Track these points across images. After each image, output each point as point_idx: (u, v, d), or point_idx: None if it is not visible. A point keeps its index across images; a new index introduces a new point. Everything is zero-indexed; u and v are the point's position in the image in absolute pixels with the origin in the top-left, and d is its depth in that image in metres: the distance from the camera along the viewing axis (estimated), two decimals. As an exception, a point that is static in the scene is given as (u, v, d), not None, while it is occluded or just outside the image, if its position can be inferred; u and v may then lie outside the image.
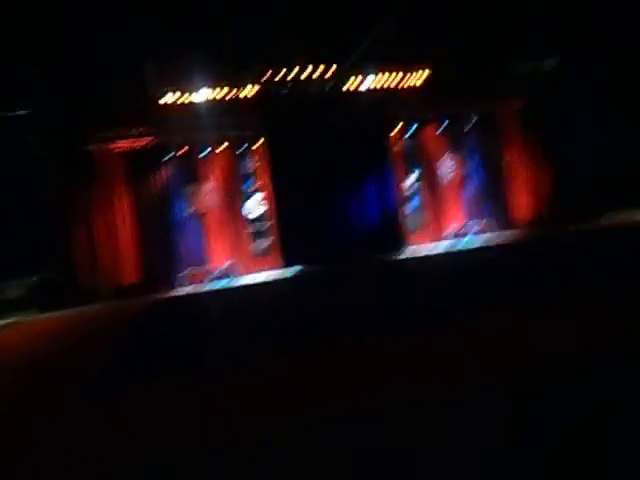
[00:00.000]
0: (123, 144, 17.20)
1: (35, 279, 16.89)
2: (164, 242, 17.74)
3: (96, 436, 4.68)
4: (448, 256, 17.18)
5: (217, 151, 18.20)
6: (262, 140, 18.29)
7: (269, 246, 18.73)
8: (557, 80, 18.75)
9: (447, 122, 20.02)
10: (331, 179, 18.80)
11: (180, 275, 17.75)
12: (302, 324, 8.47)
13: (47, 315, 15.29)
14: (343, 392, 4.86)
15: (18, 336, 12.77)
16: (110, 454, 4.23)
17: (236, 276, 18.01)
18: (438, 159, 20.51)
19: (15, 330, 13.70)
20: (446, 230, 20.31)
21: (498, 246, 17.70)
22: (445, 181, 20.57)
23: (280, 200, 18.55)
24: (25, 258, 15.79)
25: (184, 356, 7.48)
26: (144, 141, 17.30)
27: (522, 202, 21.11)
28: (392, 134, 19.84)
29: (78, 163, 16.63)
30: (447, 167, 20.58)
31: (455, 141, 20.55)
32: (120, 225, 17.44)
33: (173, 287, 17.46)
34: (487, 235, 20.19)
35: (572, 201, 19.30)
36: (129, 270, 17.44)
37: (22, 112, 15.49)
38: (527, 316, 6.67)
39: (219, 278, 17.87)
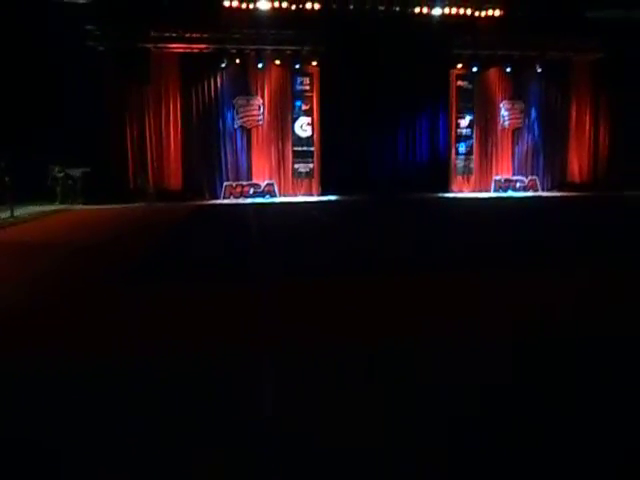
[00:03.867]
0: (180, 46, 17.16)
1: (85, 171, 17.45)
2: (209, 152, 17.99)
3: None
4: (487, 205, 16.80)
5: (272, 65, 17.96)
6: (318, 60, 17.86)
7: (310, 170, 18.72)
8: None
9: (512, 66, 18.98)
10: (383, 110, 18.37)
11: (221, 187, 18.10)
12: (329, 251, 8.57)
13: (94, 207, 15.94)
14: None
15: (68, 221, 13.42)
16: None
17: (273, 195, 18.23)
18: (497, 105, 19.68)
19: (65, 216, 14.37)
20: (492, 180, 19.79)
21: (542, 203, 17.21)
22: (500, 129, 19.82)
23: (327, 125, 18.35)
24: (77, 150, 16.26)
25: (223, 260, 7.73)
26: (201, 46, 17.21)
27: (579, 162, 20.23)
28: (452, 72, 19.08)
29: (134, 60, 16.73)
30: (505, 114, 19.76)
31: (518, 88, 19.58)
32: (169, 129, 17.70)
33: (213, 197, 17.87)
34: (534, 192, 19.61)
35: (633, 168, 18.35)
36: (174, 176, 17.87)
37: (83, 0, 15.50)
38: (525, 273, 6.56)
39: (257, 195, 18.13)
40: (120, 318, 5.01)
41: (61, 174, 16.70)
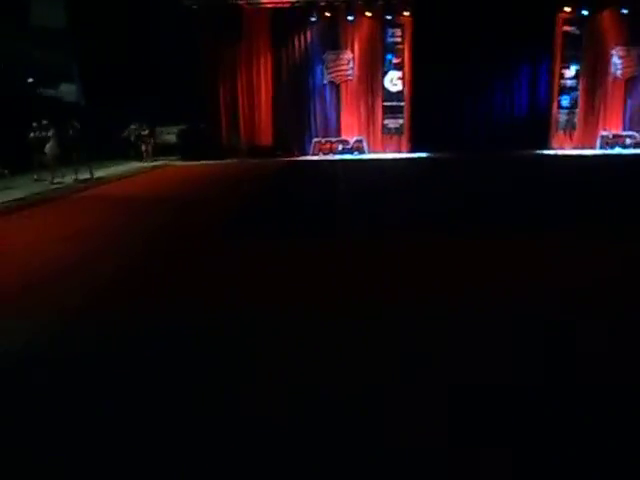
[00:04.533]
0: (271, 1, 17.13)
1: (182, 129, 18.22)
2: (298, 108, 18.06)
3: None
4: (592, 163, 15.59)
5: (362, 17, 17.45)
6: (410, 9, 17.10)
7: (400, 127, 18.28)
8: None
9: (630, 6, 17.03)
10: (479, 63, 17.28)
11: (310, 143, 18.22)
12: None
13: (190, 163, 16.69)
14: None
15: (169, 177, 14.24)
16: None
17: (362, 152, 18.07)
18: (607, 53, 17.89)
19: (165, 172, 15.23)
20: (598, 136, 18.26)
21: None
22: (610, 80, 18.08)
23: (419, 79, 17.68)
24: (173, 108, 16.96)
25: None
26: (292, 0, 17.08)
27: None
28: (559, 16, 17.50)
29: (227, 17, 16.94)
30: (616, 64, 17.95)
31: (635, 31, 17.54)
32: (260, 86, 17.94)
33: (302, 154, 18.05)
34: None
35: None
36: (264, 132, 18.20)
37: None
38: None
39: (345, 151, 18.06)
40: (222, 271, 5.39)
41: (146, 131, 17.05)
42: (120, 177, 13.88)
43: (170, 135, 18.68)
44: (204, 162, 16.65)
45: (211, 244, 6.56)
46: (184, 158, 17.53)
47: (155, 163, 16.71)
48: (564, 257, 5.57)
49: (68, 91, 18.48)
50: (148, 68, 17.23)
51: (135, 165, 16.20)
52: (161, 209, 9.11)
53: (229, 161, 17.02)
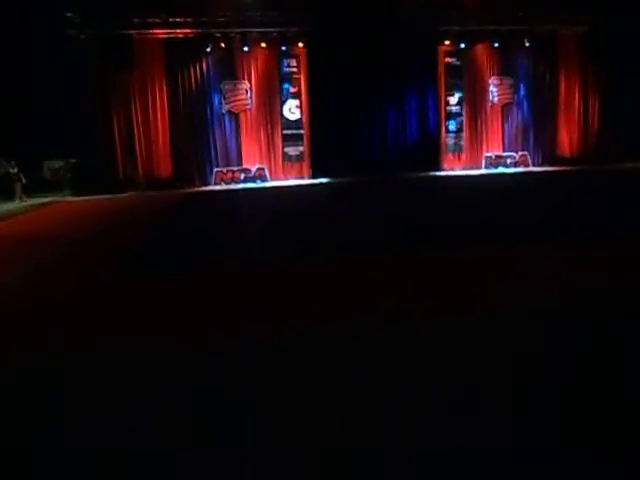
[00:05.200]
0: (163, 32, 16.85)
1: (72, 162, 17.19)
2: (197, 139, 17.79)
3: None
4: (478, 181, 16.78)
5: (258, 48, 17.69)
6: (304, 41, 17.61)
7: (300, 154, 18.58)
8: (627, 5, 17.21)
9: (500, 41, 18.83)
10: (371, 91, 18.21)
11: (211, 173, 17.95)
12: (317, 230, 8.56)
13: (83, 198, 15.72)
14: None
15: (56, 214, 13.27)
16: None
17: (264, 180, 18.10)
18: (485, 81, 19.57)
19: (53, 209, 14.20)
20: (483, 157, 19.76)
21: (532, 179, 17.21)
22: (489, 105, 19.73)
23: (316, 108, 18.18)
24: (64, 140, 16.00)
25: (210, 248, 7.68)
26: (185, 30, 16.91)
27: (569, 137, 20.21)
28: (440, 48, 18.91)
29: (117, 47, 16.42)
30: (494, 90, 19.66)
31: (506, 63, 19.45)
32: (156, 116, 17.45)
33: (203, 184, 17.72)
34: (524, 168, 19.60)
35: (622, 140, 18.40)
36: (163, 163, 17.67)
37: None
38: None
39: (248, 180, 18.00)
40: (116, 310, 4.98)
41: (15, 169, 15.52)
42: (6, 216, 12.76)
43: (58, 169, 17.57)
44: (98, 197, 15.79)
45: (103, 284, 6.00)
46: (76, 193, 16.50)
47: (48, 199, 15.58)
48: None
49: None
50: (36, 99, 16.19)
51: (24, 203, 15.01)
52: (49, 247, 8.40)
53: (125, 195, 16.27)
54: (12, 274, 6.57)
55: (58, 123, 15.87)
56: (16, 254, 7.98)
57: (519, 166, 19.71)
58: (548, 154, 20.07)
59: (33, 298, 5.40)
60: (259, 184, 17.82)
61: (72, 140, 16.15)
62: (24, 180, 15.83)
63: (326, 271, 5.90)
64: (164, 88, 17.45)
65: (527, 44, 18.83)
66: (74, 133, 16.06)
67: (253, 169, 18.20)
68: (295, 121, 18.43)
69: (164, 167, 17.69)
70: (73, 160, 17.21)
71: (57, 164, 17.60)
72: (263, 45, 17.67)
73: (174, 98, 17.52)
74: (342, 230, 8.57)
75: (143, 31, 16.69)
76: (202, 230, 9.52)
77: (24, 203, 15.09)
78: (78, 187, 16.66)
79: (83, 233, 9.85)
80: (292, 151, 18.56)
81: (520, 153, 19.89)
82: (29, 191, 15.96)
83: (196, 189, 17.22)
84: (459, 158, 19.66)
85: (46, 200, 15.57)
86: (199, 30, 16.92)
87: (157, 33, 16.87)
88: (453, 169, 19.36)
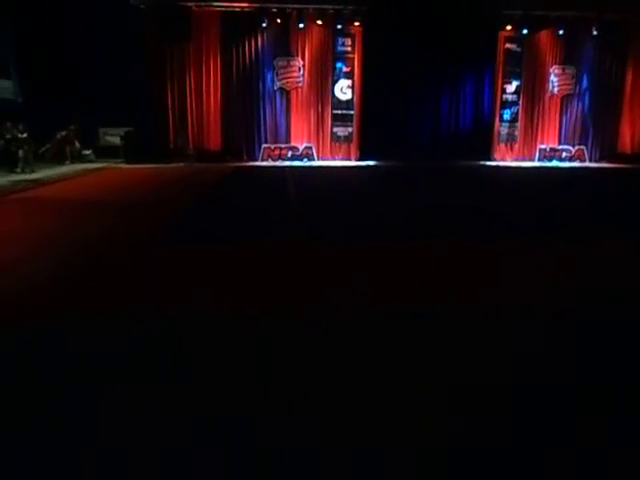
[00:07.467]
0: (221, 4, 16.94)
1: (127, 130, 17.63)
2: (248, 114, 17.92)
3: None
4: (528, 174, 16.27)
5: (313, 25, 17.56)
6: (360, 20, 17.36)
7: (349, 135, 18.46)
8: None
9: (566, 28, 18.01)
10: (426, 74, 17.82)
11: (259, 149, 18.09)
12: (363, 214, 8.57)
13: (134, 166, 16.14)
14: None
15: (110, 179, 13.69)
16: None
17: (311, 159, 18.12)
18: (546, 70, 18.81)
19: (106, 174, 14.65)
20: (537, 149, 19.12)
21: (587, 176, 16.55)
22: (548, 95, 19.00)
23: (368, 89, 17.96)
24: (120, 109, 16.40)
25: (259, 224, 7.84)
26: (242, 4, 16.94)
27: (632, 133, 19.29)
28: (501, 34, 18.25)
29: (175, 18, 16.62)
30: (554, 80, 18.90)
31: (570, 52, 18.61)
32: (209, 89, 17.66)
33: (251, 159, 17.90)
34: (580, 163, 18.88)
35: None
36: (213, 136, 17.91)
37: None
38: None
39: (295, 158, 18.06)
40: (161, 276, 5.19)
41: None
42: (60, 179, 13.26)
43: (114, 137, 18.07)
44: (149, 165, 16.20)
45: (151, 250, 6.24)
46: (128, 161, 16.98)
47: (101, 165, 16.11)
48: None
49: (4, 88, 17.55)
50: (91, 68, 16.64)
51: (77, 167, 15.55)
52: (99, 213, 8.67)
53: (175, 165, 16.63)
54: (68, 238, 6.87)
55: (116, 92, 16.27)
56: (72, 218, 8.31)
57: (574, 161, 19.01)
58: (607, 149, 19.26)
59: (98, 265, 5.61)
60: (305, 162, 17.87)
61: (128, 109, 16.55)
62: (78, 145, 16.43)
63: (356, 254, 5.92)
64: (218, 61, 17.59)
65: (595, 32, 17.97)
66: (130, 102, 16.44)
67: (301, 147, 18.23)
68: (346, 101, 18.27)
69: (213, 140, 17.93)
70: (127, 129, 17.64)
71: (113, 131, 18.09)
72: (319, 22, 17.51)
73: (228, 72, 17.66)
74: (386, 215, 8.57)
75: (202, 3, 16.83)
76: (249, 205, 9.68)
77: (76, 167, 15.61)
78: (130, 155, 17.14)
79: (135, 199, 10.19)
80: (341, 131, 18.45)
81: (577, 147, 19.15)
82: (81, 157, 16.54)
83: (243, 164, 17.41)
84: (511, 149, 19.10)
85: (100, 165, 16.09)
86: (256, 4, 16.93)
87: (215, 6, 16.96)
88: (504, 160, 18.85)
